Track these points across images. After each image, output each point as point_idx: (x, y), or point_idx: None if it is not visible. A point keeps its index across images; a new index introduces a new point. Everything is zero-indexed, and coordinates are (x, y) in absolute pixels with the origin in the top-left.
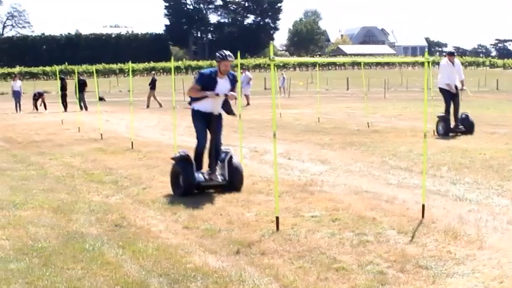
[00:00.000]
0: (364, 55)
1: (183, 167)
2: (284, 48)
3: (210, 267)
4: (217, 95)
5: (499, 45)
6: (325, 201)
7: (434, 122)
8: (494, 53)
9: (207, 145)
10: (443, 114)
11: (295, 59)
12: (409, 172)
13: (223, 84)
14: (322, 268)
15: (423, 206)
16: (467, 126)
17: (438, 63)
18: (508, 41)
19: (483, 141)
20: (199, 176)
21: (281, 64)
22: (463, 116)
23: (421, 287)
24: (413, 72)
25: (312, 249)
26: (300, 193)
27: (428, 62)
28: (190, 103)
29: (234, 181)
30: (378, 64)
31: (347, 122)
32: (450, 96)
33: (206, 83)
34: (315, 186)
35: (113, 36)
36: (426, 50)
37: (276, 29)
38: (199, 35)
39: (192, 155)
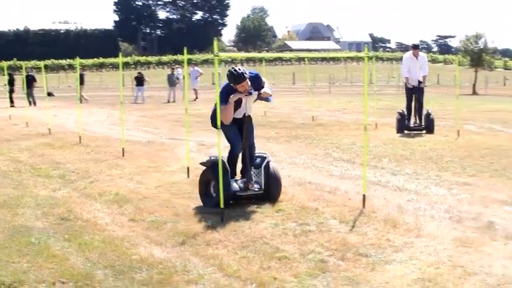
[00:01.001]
0: (310, 51)
1: (217, 174)
2: (232, 44)
3: (155, 259)
4: (250, 93)
5: (440, 41)
6: None
7: (377, 116)
8: (435, 49)
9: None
10: (402, 111)
11: (237, 54)
12: (352, 164)
13: (247, 98)
14: (265, 257)
15: (364, 196)
16: (427, 124)
17: (381, 59)
18: (449, 37)
19: (423, 133)
20: (234, 185)
21: (229, 60)
22: (424, 112)
23: (360, 274)
24: (358, 67)
25: (255, 239)
26: None
27: (369, 57)
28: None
29: (270, 190)
30: (323, 59)
31: (293, 116)
32: (410, 91)
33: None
34: None
35: (62, 32)
36: (366, 45)
37: (224, 25)
38: (148, 31)
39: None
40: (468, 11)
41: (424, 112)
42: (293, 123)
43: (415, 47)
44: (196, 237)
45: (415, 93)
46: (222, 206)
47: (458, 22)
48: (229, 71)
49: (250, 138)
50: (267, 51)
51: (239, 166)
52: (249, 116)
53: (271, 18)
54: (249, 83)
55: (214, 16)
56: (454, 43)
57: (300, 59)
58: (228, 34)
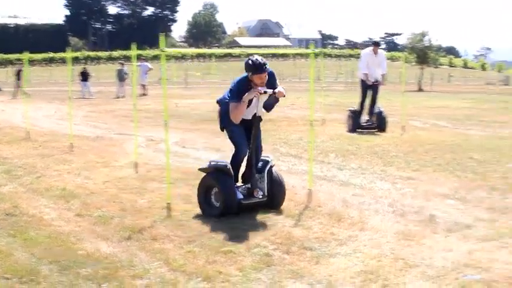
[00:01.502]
0: (260, 47)
1: (221, 181)
2: (183, 39)
3: (101, 253)
4: (265, 92)
5: (388, 38)
6: None
7: (324, 112)
8: (383, 46)
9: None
10: (354, 109)
11: (188, 50)
12: (299, 159)
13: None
14: (211, 252)
15: (310, 190)
16: (379, 122)
17: (330, 56)
18: (396, 34)
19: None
20: (237, 192)
21: (179, 55)
22: (376, 110)
23: (304, 267)
24: (306, 63)
25: (202, 234)
26: (193, 180)
27: (315, 54)
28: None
29: (274, 197)
30: (273, 56)
31: None
32: (366, 88)
33: (242, 94)
34: None
35: (11, 26)
36: (312, 42)
37: (174, 20)
38: (99, 26)
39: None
40: (414, 10)
41: (376, 110)
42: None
43: (376, 44)
44: (142, 232)
45: (370, 90)
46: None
47: (405, 20)
48: (249, 59)
49: (259, 141)
50: (218, 47)
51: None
52: (259, 117)
53: (222, 14)
54: (267, 77)
55: (165, 12)
56: (400, 40)
57: (250, 55)
58: (180, 30)
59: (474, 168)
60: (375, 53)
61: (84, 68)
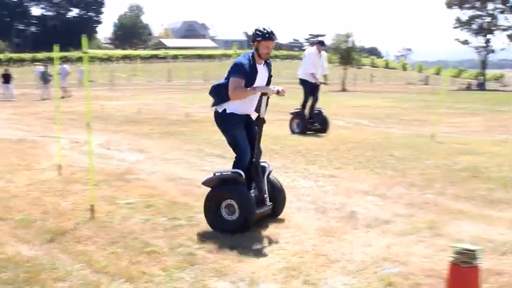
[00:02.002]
0: (186, 48)
1: (237, 192)
2: (109, 41)
3: (22, 257)
4: (278, 92)
5: (312, 39)
6: (141, 189)
7: None
8: (305, 47)
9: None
10: (298, 110)
11: (107, 52)
12: (223, 158)
13: (263, 74)
14: (134, 252)
15: None
16: (321, 123)
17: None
18: (321, 35)
19: None
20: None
21: (105, 57)
22: (316, 111)
23: (228, 266)
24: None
25: (125, 235)
26: (117, 181)
27: (237, 55)
28: (215, 103)
29: (276, 203)
30: (199, 57)
31: (167, 112)
32: (311, 88)
33: (246, 74)
34: (131, 175)
35: None
36: (235, 43)
37: (99, 22)
38: (22, 27)
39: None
40: (339, 11)
41: (315, 111)
42: (167, 119)
43: (322, 44)
44: (65, 234)
45: (314, 91)
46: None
47: (330, 21)
48: (256, 28)
49: (259, 143)
50: (144, 48)
51: None
52: (263, 118)
53: (148, 16)
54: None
55: (90, 13)
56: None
57: (176, 57)
58: (105, 31)
59: (394, 165)
60: (320, 52)
61: (6, 69)
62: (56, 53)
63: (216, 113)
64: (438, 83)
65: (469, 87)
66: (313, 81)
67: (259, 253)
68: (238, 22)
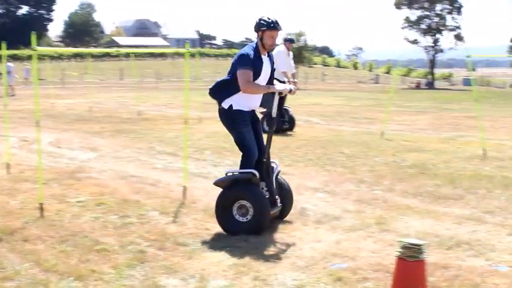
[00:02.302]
0: (138, 47)
1: (251, 193)
2: (60, 39)
3: None
4: (291, 91)
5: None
6: (91, 187)
7: (201, 110)
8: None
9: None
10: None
11: (65, 49)
12: (174, 156)
13: (267, 66)
14: (84, 251)
15: (185, 187)
16: (289, 121)
17: (208, 55)
18: None
19: None
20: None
21: (56, 55)
22: (283, 110)
23: (178, 263)
24: (185, 62)
25: (75, 233)
26: (67, 180)
27: (191, 53)
28: (219, 101)
29: (285, 205)
30: (151, 55)
31: (119, 110)
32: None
33: (253, 65)
34: (82, 173)
35: None
36: (187, 42)
37: (50, 20)
38: None
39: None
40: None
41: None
42: (119, 118)
43: (291, 41)
44: (14, 233)
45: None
46: None
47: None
48: (260, 18)
49: (263, 140)
50: (95, 46)
51: None
52: (275, 118)
53: (99, 13)
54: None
55: (40, 11)
56: (277, 41)
57: (128, 55)
58: (56, 29)
59: (344, 162)
60: (289, 50)
61: None
62: (3, 51)
63: (222, 109)
64: (388, 82)
65: (418, 86)
66: (284, 79)
67: (209, 250)
68: (191, 21)
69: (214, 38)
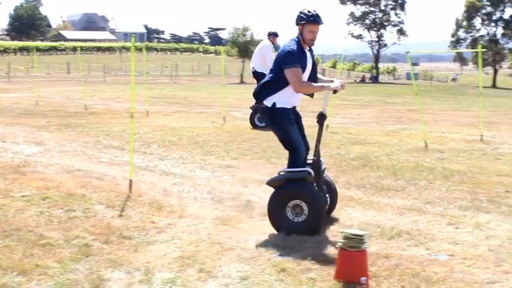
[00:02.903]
0: (85, 41)
1: (307, 193)
2: (5, 33)
3: None
4: (342, 86)
5: (212, 33)
6: (37, 181)
7: (148, 104)
8: (207, 40)
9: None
10: (258, 104)
11: (11, 43)
12: (121, 150)
13: (309, 60)
14: (28, 245)
15: (131, 181)
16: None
17: (156, 49)
18: (220, 29)
19: (191, 120)
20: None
21: (1, 49)
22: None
23: (123, 256)
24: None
25: (19, 228)
26: (12, 174)
27: (135, 47)
28: (261, 99)
29: (331, 200)
30: (98, 49)
31: (65, 104)
32: None
33: (300, 61)
34: (27, 167)
35: None
36: (133, 35)
37: None
38: None
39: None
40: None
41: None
42: (65, 112)
43: (276, 35)
44: None
45: None
46: None
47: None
48: (300, 10)
49: (306, 141)
50: (42, 40)
51: None
52: (325, 115)
53: (46, 7)
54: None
55: None
56: (224, 35)
57: (75, 49)
58: (1, 23)
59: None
60: (274, 43)
61: None
62: None
63: (265, 108)
64: (334, 76)
65: (363, 80)
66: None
67: (154, 243)
68: (139, 15)
69: (162, 32)
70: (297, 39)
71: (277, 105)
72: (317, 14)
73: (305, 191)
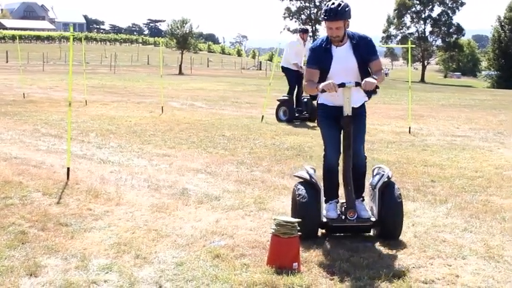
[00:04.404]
0: (24, 29)
1: (303, 196)
2: None
3: None
4: (343, 85)
5: (151, 24)
6: None
7: (87, 93)
8: (146, 32)
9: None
10: (286, 98)
11: None
12: (59, 139)
13: (342, 57)
14: None
15: (68, 169)
16: (310, 112)
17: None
18: (159, 21)
19: (130, 109)
20: (330, 211)
21: None
22: (304, 100)
23: (59, 243)
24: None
25: None
26: None
27: (74, 37)
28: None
29: (388, 222)
30: (37, 38)
31: (3, 93)
32: (295, 77)
33: (318, 60)
34: None
35: None
36: (71, 25)
37: None
38: None
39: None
40: None
41: (304, 99)
42: (3, 100)
43: (305, 32)
44: None
45: (299, 79)
46: None
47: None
48: (325, 7)
49: (356, 144)
50: None
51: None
52: (357, 109)
53: None
54: (342, 29)
55: None
56: (163, 27)
57: (14, 38)
58: None
59: (225, 144)
60: (304, 40)
61: None
62: None
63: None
64: (270, 69)
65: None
66: (295, 68)
67: (91, 230)
68: (78, 5)
69: (102, 23)
70: (325, 36)
71: (319, 101)
72: (332, 9)
73: (302, 194)
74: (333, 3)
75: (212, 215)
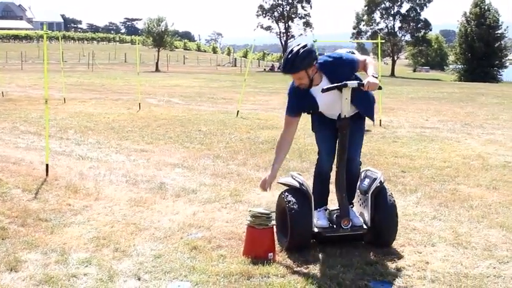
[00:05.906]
0: (2, 29)
1: (294, 205)
2: None
3: None
4: (346, 85)
5: (128, 23)
6: None
7: (66, 91)
8: (123, 30)
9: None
10: None
11: None
12: (38, 136)
13: (324, 95)
14: None
15: (47, 165)
16: None
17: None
18: (136, 20)
19: (108, 106)
20: (320, 220)
21: None
22: None
23: (39, 238)
24: (50, 46)
25: None
26: None
27: (48, 36)
28: None
29: (382, 229)
30: (15, 38)
31: None
32: None
33: (301, 107)
34: None
35: None
36: (45, 23)
37: None
38: None
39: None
40: None
41: None
42: None
43: None
44: None
45: None
46: None
47: (145, 6)
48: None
49: (352, 152)
50: None
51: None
52: (353, 117)
53: None
54: (305, 79)
55: None
56: (140, 25)
57: None
58: None
59: (201, 139)
60: None
61: None
62: None
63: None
64: (245, 65)
65: (272, 69)
66: None
67: (70, 225)
68: (56, 4)
69: (79, 22)
70: None
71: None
72: (288, 60)
73: (291, 203)
74: (291, 52)
75: (189, 208)
